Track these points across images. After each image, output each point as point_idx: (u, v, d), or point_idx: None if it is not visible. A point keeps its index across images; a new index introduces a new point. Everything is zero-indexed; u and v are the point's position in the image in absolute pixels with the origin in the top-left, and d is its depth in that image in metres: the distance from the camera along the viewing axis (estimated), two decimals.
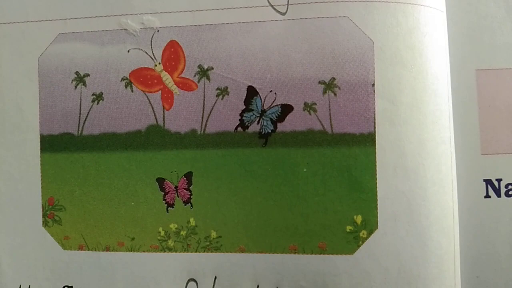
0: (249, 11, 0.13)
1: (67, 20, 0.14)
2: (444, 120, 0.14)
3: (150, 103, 0.14)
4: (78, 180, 0.14)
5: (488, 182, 0.15)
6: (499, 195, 0.16)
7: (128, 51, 0.14)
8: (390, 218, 0.13)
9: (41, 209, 0.14)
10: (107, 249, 0.14)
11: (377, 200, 0.13)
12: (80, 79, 0.14)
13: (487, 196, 0.15)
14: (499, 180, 0.15)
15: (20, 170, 0.14)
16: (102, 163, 0.14)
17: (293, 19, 0.13)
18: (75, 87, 0.14)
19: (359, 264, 0.13)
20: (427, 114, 0.13)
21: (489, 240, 0.15)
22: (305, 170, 0.13)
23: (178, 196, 0.13)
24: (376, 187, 0.13)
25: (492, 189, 0.16)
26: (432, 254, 0.13)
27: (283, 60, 0.13)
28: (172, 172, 0.14)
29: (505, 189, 0.16)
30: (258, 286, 0.13)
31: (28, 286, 0.14)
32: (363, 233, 0.13)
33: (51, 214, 0.14)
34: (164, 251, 0.13)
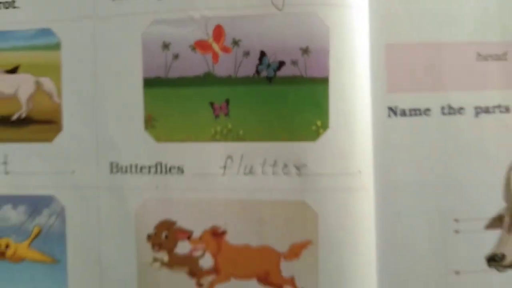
0: (261, 9, 0.24)
1: (161, 13, 0.24)
2: None
3: (205, 59, 0.24)
4: (170, 103, 0.24)
5: None
6: None
7: (193, 30, 0.24)
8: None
9: (143, 119, 0.25)
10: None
11: (329, 114, 0.24)
12: (165, 46, 0.24)
13: None
14: None
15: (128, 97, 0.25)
16: (178, 95, 0.24)
17: (289, 15, 0.24)
18: (162, 50, 0.24)
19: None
20: None
21: None
22: (291, 97, 0.24)
23: (221, 111, 0.24)
24: (328, 104, 0.23)
25: None
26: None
27: (279, 38, 0.24)
28: (218, 99, 0.24)
29: None
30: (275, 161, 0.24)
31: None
32: (321, 130, 0.23)
33: (150, 122, 0.25)
34: (213, 141, 0.24)
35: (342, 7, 0.23)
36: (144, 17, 0.25)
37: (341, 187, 0.23)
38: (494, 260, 0.26)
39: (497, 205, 0.26)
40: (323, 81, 0.24)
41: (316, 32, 0.23)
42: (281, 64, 0.24)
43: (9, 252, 0.27)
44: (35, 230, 0.27)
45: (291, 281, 0.24)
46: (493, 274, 0.26)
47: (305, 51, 0.24)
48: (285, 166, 0.24)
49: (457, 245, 0.26)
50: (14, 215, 0.27)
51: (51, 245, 0.26)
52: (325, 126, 0.24)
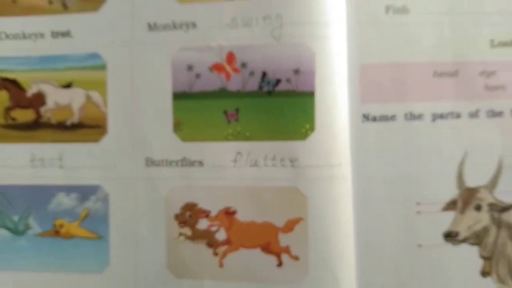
0: (263, 39, 0.30)
1: (186, 42, 0.30)
2: None
3: (220, 78, 0.30)
4: (193, 112, 0.30)
5: None
6: None
7: (211, 56, 0.30)
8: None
9: (172, 124, 0.30)
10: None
11: (315, 119, 0.29)
12: (189, 67, 0.30)
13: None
14: None
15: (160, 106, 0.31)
16: (199, 105, 0.30)
17: (284, 44, 0.29)
18: (187, 71, 0.30)
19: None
20: None
21: None
22: (286, 106, 0.29)
23: (232, 118, 0.30)
24: (315, 112, 0.29)
25: None
26: None
27: (276, 62, 0.29)
28: (230, 108, 0.30)
29: None
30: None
31: None
32: (309, 132, 0.29)
33: (177, 126, 0.30)
34: (226, 141, 0.30)
35: (325, 38, 0.29)
36: (173, 45, 0.30)
37: (325, 176, 0.29)
38: (450, 236, 0.31)
39: (451, 192, 0.31)
40: (310, 95, 0.29)
41: (305, 57, 0.29)
42: (278, 81, 0.30)
43: (63, 230, 0.32)
44: (84, 213, 0.32)
45: (287, 249, 0.30)
46: (449, 247, 0.31)
47: (296, 71, 0.29)
48: (282, 160, 0.30)
49: (419, 223, 0.31)
50: (67, 201, 0.32)
51: (96, 225, 0.32)
52: (312, 128, 0.29)
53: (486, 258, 0.31)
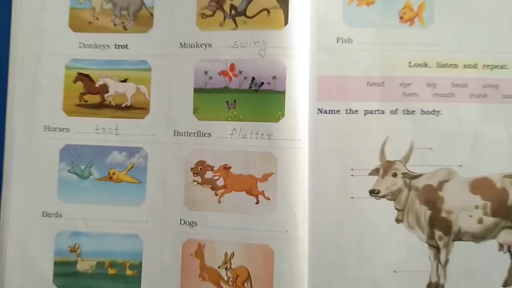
0: (253, 56, 0.39)
1: (204, 56, 0.40)
2: None
3: (225, 80, 0.39)
4: (206, 101, 0.39)
5: None
6: None
7: (219, 65, 0.39)
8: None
9: (192, 108, 0.40)
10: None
11: (285, 109, 0.40)
12: (205, 72, 0.39)
13: None
14: None
15: (185, 97, 0.41)
16: (209, 97, 0.40)
17: (267, 60, 0.39)
18: (204, 74, 0.39)
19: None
20: None
21: None
22: (266, 100, 0.38)
23: (231, 106, 0.38)
24: (285, 104, 0.39)
25: None
26: None
27: (261, 71, 0.39)
28: (230, 100, 0.38)
29: None
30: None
31: None
32: (281, 117, 0.38)
33: (196, 110, 0.40)
34: (226, 121, 0.39)
35: (294, 57, 0.38)
36: (196, 57, 0.39)
37: (290, 147, 0.38)
38: (373, 193, 0.39)
39: (375, 163, 0.40)
40: (282, 93, 0.38)
41: (280, 68, 0.38)
42: (262, 83, 0.38)
43: (114, 177, 0.40)
44: (130, 165, 0.40)
45: (263, 193, 0.38)
46: (373, 200, 0.39)
47: (274, 77, 0.38)
48: (262, 134, 0.38)
49: (352, 182, 0.39)
50: (119, 157, 0.41)
51: (138, 173, 0.40)
52: (283, 115, 0.38)
53: (399, 210, 0.40)
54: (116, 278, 0.40)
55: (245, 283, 0.38)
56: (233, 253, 0.39)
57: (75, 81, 0.41)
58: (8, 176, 0.41)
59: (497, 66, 0.40)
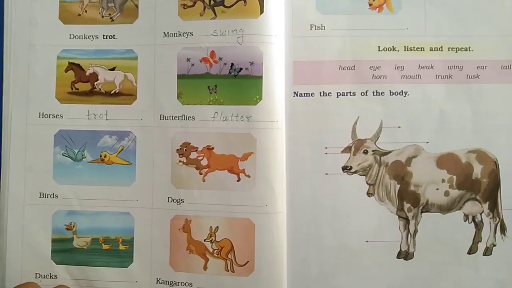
0: (232, 43, 0.42)
1: (186, 44, 0.43)
2: None
3: (206, 66, 0.41)
4: (189, 86, 0.41)
5: None
6: None
7: (201, 52, 0.41)
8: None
9: (176, 94, 0.43)
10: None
11: (262, 93, 0.42)
12: (188, 59, 0.41)
13: None
14: None
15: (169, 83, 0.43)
16: (192, 83, 0.42)
17: (244, 47, 0.42)
18: (186, 61, 0.41)
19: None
20: None
21: None
22: (245, 84, 0.41)
23: (213, 91, 0.41)
24: (262, 88, 0.43)
25: None
26: None
27: (240, 56, 0.41)
28: (211, 84, 0.41)
29: None
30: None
31: None
32: (259, 100, 0.41)
33: (180, 95, 0.42)
34: (208, 105, 0.42)
35: (270, 44, 0.40)
36: (178, 45, 0.41)
37: (267, 128, 0.41)
38: (346, 169, 0.42)
39: (347, 141, 0.42)
40: (260, 78, 0.40)
41: (257, 54, 0.40)
42: (240, 69, 0.40)
43: (106, 159, 0.42)
44: (120, 148, 0.42)
45: (243, 171, 0.41)
46: (346, 176, 0.42)
47: (252, 63, 0.40)
48: (241, 117, 0.40)
49: (326, 159, 0.42)
50: (109, 140, 0.43)
51: (128, 156, 0.42)
52: (260, 98, 0.40)
53: (370, 184, 0.43)
54: (110, 253, 0.43)
55: (229, 254, 0.41)
56: (217, 227, 0.41)
57: (66, 70, 0.43)
58: (6, 160, 0.43)
59: (461, 48, 0.42)
